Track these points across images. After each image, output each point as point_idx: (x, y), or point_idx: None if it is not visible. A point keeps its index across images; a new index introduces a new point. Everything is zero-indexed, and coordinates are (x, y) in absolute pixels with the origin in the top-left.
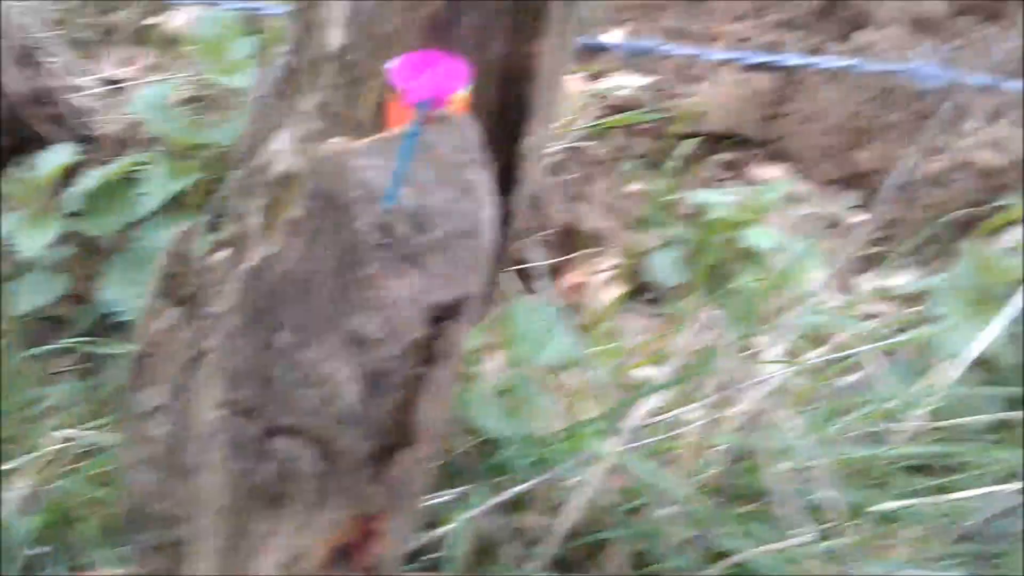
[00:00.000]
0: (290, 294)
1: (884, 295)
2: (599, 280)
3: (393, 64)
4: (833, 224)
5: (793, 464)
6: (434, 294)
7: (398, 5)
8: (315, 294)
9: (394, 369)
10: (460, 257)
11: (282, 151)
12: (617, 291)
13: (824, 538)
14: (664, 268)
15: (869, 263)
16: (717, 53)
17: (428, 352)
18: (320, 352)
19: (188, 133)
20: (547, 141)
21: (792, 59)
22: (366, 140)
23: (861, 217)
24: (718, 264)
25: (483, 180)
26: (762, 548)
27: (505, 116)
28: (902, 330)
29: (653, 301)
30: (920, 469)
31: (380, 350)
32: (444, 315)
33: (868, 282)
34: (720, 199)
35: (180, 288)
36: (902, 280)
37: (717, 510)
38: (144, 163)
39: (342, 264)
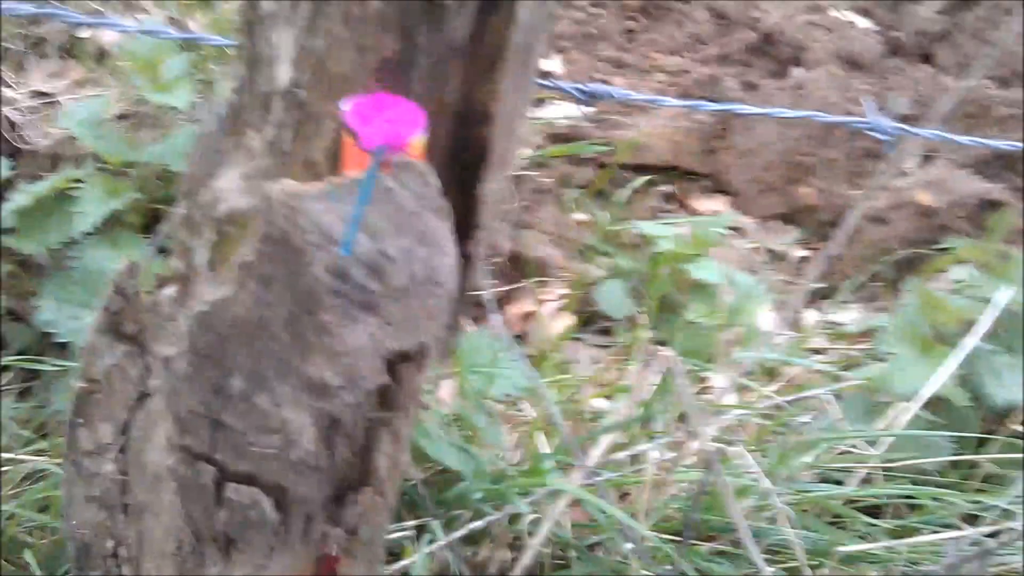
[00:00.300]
0: (242, 339)
1: (831, 331)
2: (547, 310)
3: (347, 106)
4: (776, 258)
5: (753, 502)
6: (392, 341)
7: (350, 46)
8: (269, 339)
9: (352, 415)
10: (419, 305)
11: (229, 188)
12: (565, 321)
13: None
14: (612, 299)
15: (814, 298)
16: (672, 100)
17: (387, 397)
18: (275, 398)
19: (122, 150)
20: (506, 185)
21: (747, 108)
22: (321, 184)
23: (803, 252)
24: (666, 296)
25: (442, 228)
26: None
27: (462, 160)
28: (849, 367)
29: (602, 331)
30: (876, 509)
31: (337, 397)
32: (403, 361)
33: (814, 317)
34: (665, 231)
35: (124, 324)
36: (847, 316)
37: (679, 548)
38: (78, 180)
39: (297, 310)
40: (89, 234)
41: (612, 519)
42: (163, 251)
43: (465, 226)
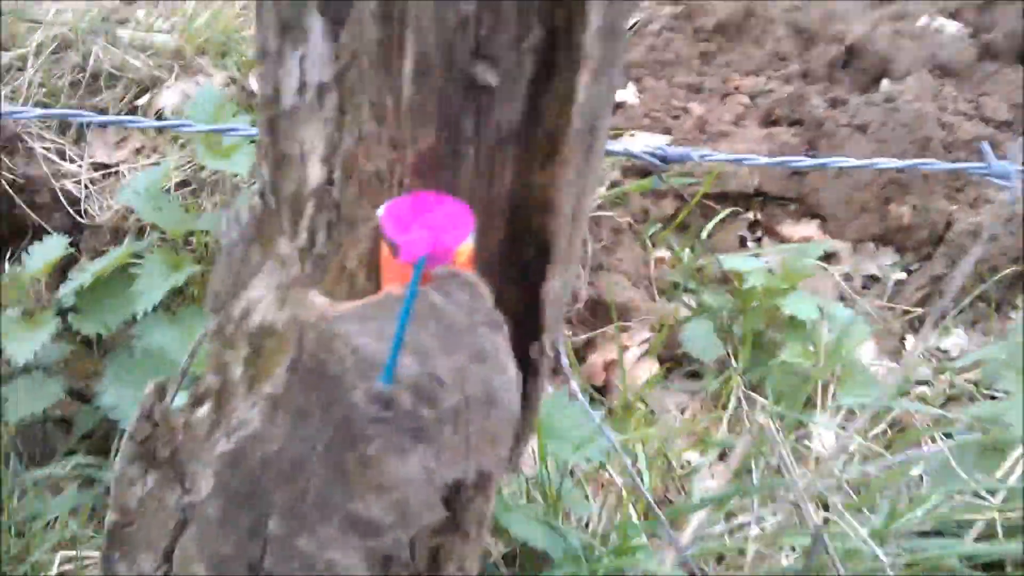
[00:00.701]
0: (276, 477)
1: (937, 365)
2: (631, 356)
3: (384, 211)
4: (872, 283)
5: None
6: (448, 471)
7: (384, 140)
8: (307, 476)
9: (407, 551)
10: (476, 428)
11: (261, 300)
12: (650, 368)
13: None
14: (699, 341)
15: (915, 324)
16: (761, 159)
17: (449, 520)
18: (319, 539)
19: (183, 221)
20: (574, 280)
21: (849, 161)
22: (357, 303)
23: (902, 275)
24: (758, 334)
25: (498, 342)
26: None
27: (520, 255)
28: (957, 400)
29: (691, 375)
30: (993, 567)
31: (389, 534)
32: (462, 489)
33: (916, 345)
34: (754, 265)
35: (157, 450)
36: (951, 343)
37: None
38: (139, 254)
39: (337, 442)
40: (151, 311)
41: None
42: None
43: (527, 329)
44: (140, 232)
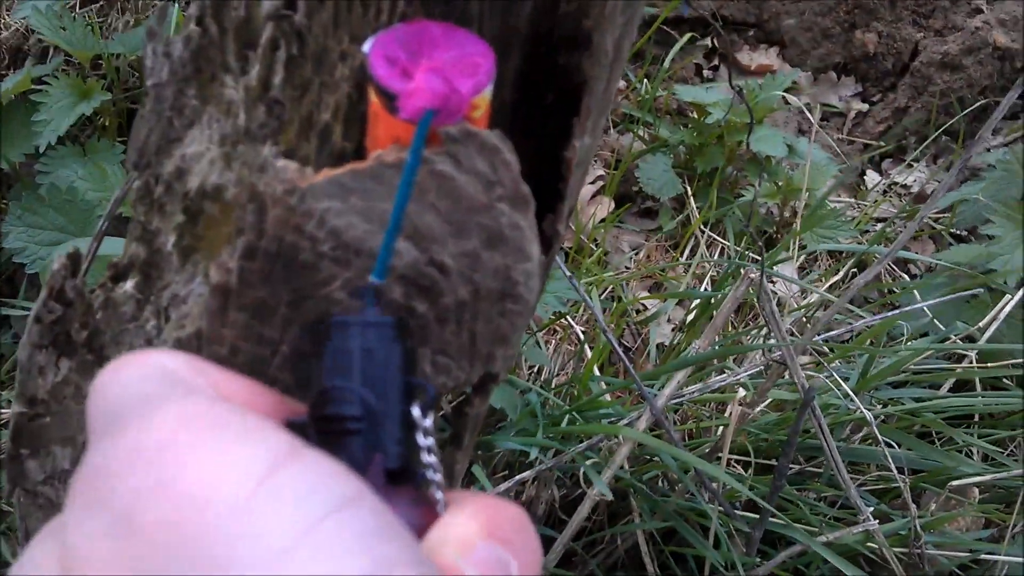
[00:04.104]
0: None
1: (899, 196)
2: (583, 194)
3: (371, 45)
4: (833, 114)
5: (844, 418)
6: (445, 377)
7: None
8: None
9: None
10: (485, 326)
11: (200, 157)
12: (604, 206)
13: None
14: (656, 178)
15: (875, 159)
16: None
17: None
18: None
19: (91, 43)
20: (600, 137)
21: None
22: (336, 171)
23: (863, 107)
24: (716, 172)
25: (522, 223)
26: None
27: (534, 103)
28: (915, 239)
29: (645, 214)
30: (968, 417)
31: None
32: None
33: (878, 180)
34: (716, 97)
35: (71, 332)
36: (913, 178)
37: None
38: (42, 79)
39: (306, 344)
40: (58, 143)
41: (686, 464)
42: None
43: (543, 198)
44: (43, 55)
